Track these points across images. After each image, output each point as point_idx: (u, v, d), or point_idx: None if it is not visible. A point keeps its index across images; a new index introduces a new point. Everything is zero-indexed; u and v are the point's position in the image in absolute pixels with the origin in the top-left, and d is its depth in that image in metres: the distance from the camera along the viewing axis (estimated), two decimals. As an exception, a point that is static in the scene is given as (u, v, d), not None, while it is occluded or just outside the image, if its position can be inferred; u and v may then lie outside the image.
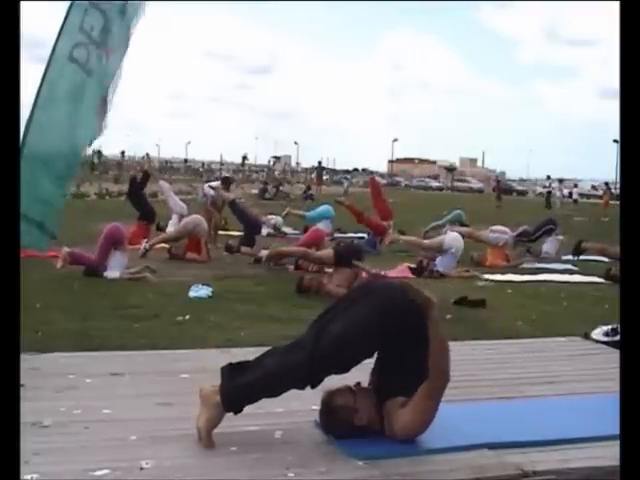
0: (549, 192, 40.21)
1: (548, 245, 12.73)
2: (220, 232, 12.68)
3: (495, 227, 11.77)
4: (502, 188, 43.75)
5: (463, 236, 10.36)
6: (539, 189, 65.59)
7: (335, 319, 3.10)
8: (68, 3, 4.08)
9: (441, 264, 9.65)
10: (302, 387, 3.09)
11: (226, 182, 14.57)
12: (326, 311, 3.20)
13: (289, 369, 3.04)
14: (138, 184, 12.53)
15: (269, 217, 14.56)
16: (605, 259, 11.06)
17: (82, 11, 4.07)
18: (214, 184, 14.48)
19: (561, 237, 12.92)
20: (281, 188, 35.36)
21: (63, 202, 4.31)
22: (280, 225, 14.60)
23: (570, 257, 11.61)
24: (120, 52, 4.40)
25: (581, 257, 11.10)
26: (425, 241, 9.95)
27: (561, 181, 49.82)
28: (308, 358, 3.01)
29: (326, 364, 3.05)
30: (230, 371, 3.06)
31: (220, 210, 13.99)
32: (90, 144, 4.40)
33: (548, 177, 43.94)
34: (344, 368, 3.11)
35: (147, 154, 15.07)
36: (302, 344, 3.09)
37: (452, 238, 9.98)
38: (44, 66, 4.03)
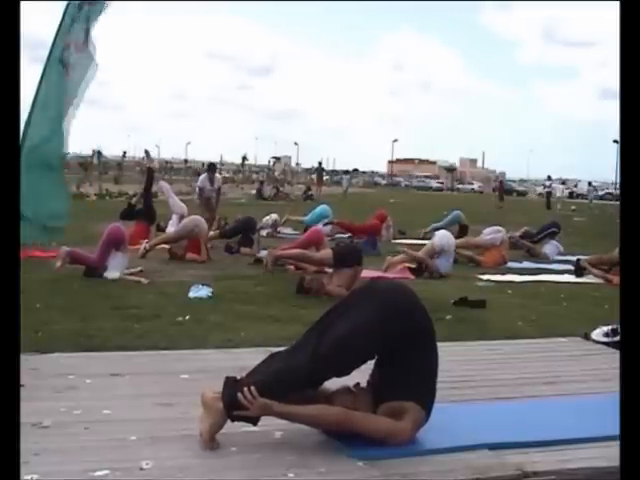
0: (549, 192, 40.36)
1: (549, 248, 12.74)
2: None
3: (487, 229, 11.79)
4: (504, 188, 43.75)
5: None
6: (539, 189, 65.86)
7: (338, 320, 3.10)
8: (66, 4, 4.10)
9: (440, 265, 9.65)
10: (303, 389, 3.09)
11: (212, 169, 14.53)
12: (328, 312, 3.20)
13: (291, 372, 3.04)
14: (149, 180, 12.52)
15: (265, 218, 14.56)
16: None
17: (74, 11, 4.08)
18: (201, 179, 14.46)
19: (560, 246, 12.90)
20: (281, 189, 35.28)
21: (68, 199, 4.30)
22: (278, 222, 14.63)
23: (569, 257, 11.62)
24: (90, 51, 4.39)
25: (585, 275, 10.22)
26: (418, 253, 9.97)
27: (563, 182, 50.12)
28: (310, 360, 3.01)
29: (328, 365, 3.05)
30: (234, 381, 3.06)
31: (215, 209, 13.95)
32: (65, 147, 4.39)
33: (549, 177, 44.20)
34: (346, 370, 3.11)
35: (146, 150, 14.92)
36: (305, 346, 3.09)
37: (440, 238, 9.99)
38: (42, 67, 4.05)
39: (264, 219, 14.43)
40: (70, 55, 4.12)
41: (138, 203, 12.48)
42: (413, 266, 9.81)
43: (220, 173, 24.18)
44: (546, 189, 42.98)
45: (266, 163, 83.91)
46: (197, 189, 14.26)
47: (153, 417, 3.37)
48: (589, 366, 4.70)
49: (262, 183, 35.38)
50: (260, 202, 26.79)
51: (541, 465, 2.97)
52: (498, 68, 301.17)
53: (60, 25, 4.07)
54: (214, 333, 5.58)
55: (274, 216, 14.79)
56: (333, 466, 2.86)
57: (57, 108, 4.18)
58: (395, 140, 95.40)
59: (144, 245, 10.13)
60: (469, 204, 29.78)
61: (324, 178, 46.22)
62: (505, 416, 3.54)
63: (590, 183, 50.81)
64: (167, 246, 10.38)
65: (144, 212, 11.96)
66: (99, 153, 53.72)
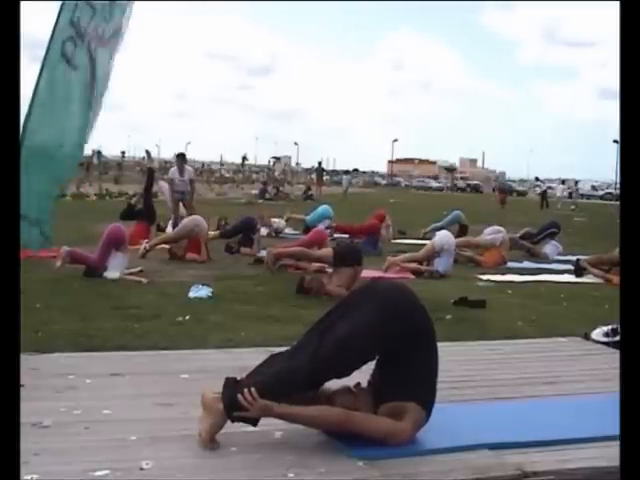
0: (544, 192, 40.63)
1: (549, 248, 12.73)
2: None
3: (487, 229, 11.78)
4: (504, 190, 43.69)
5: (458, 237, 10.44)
6: (539, 190, 66.17)
7: (338, 321, 3.10)
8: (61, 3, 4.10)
9: (440, 265, 9.65)
10: (303, 390, 3.09)
11: (180, 158, 13.88)
12: (328, 313, 3.20)
13: (292, 373, 3.03)
14: (150, 180, 12.45)
15: (272, 221, 14.53)
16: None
17: (73, 6, 4.08)
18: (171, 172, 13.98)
19: (560, 246, 12.88)
20: (281, 189, 35.26)
21: (50, 202, 4.32)
22: (282, 228, 14.59)
23: (569, 257, 11.62)
24: (110, 47, 4.40)
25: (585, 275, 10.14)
26: (419, 253, 9.96)
27: (563, 182, 50.30)
28: (311, 360, 3.00)
29: (329, 366, 3.05)
30: (234, 382, 3.06)
31: (191, 204, 13.56)
32: (85, 142, 4.40)
33: (537, 178, 45.18)
34: (347, 371, 3.10)
35: (147, 151, 14.88)
36: (305, 346, 3.08)
37: (441, 238, 9.98)
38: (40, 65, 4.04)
39: (273, 220, 14.38)
40: (77, 47, 4.11)
41: (138, 203, 12.47)
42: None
43: (220, 173, 24.05)
44: (541, 189, 43.33)
45: (266, 163, 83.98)
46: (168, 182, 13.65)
47: (153, 417, 3.37)
48: (589, 366, 4.70)
49: (265, 184, 35.32)
50: (261, 202, 26.77)
51: (541, 465, 2.97)
52: (498, 68, 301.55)
53: (57, 20, 4.05)
54: (214, 333, 5.58)
55: (283, 223, 14.71)
56: (333, 466, 2.86)
57: (76, 101, 4.19)
58: (395, 140, 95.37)
59: (144, 245, 10.13)
60: (469, 204, 29.77)
61: (324, 178, 46.16)
62: (505, 416, 3.54)
63: (577, 182, 51.14)
64: (167, 246, 10.38)
65: (144, 212, 11.96)
66: (99, 153, 53.63)
